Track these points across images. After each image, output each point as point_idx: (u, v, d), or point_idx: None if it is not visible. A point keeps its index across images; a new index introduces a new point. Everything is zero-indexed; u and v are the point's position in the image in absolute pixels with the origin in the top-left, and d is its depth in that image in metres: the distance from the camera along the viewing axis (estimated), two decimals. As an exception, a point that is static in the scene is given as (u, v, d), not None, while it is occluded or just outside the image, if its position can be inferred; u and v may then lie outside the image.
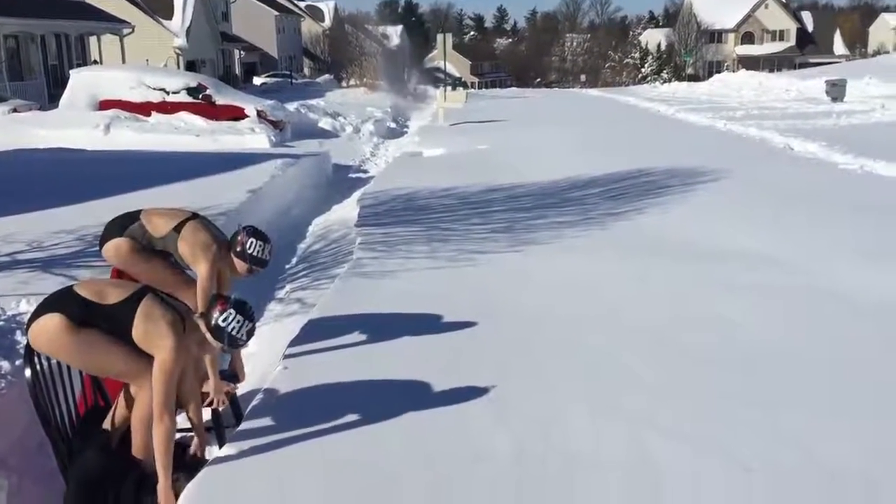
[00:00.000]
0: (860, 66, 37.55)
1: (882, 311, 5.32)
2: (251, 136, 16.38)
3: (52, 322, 3.21)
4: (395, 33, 59.15)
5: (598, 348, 4.70)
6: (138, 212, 4.31)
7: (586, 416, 3.80)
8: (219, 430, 3.98)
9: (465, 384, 4.14)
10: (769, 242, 7.25)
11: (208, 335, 3.27)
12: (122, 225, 4.26)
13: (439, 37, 26.73)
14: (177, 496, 3.18)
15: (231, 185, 9.87)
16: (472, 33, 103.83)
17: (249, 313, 3.31)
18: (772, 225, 8.05)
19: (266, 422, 3.74)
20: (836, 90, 24.37)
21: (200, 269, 4.08)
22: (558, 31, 78.88)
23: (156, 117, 17.19)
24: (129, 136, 15.77)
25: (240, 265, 4.12)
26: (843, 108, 21.63)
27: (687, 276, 6.25)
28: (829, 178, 10.99)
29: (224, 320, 3.24)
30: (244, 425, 3.75)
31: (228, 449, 3.49)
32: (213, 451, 3.72)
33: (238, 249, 4.11)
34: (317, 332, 5.02)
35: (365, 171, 14.68)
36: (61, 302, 3.28)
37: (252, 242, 4.10)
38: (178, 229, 4.17)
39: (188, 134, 16.21)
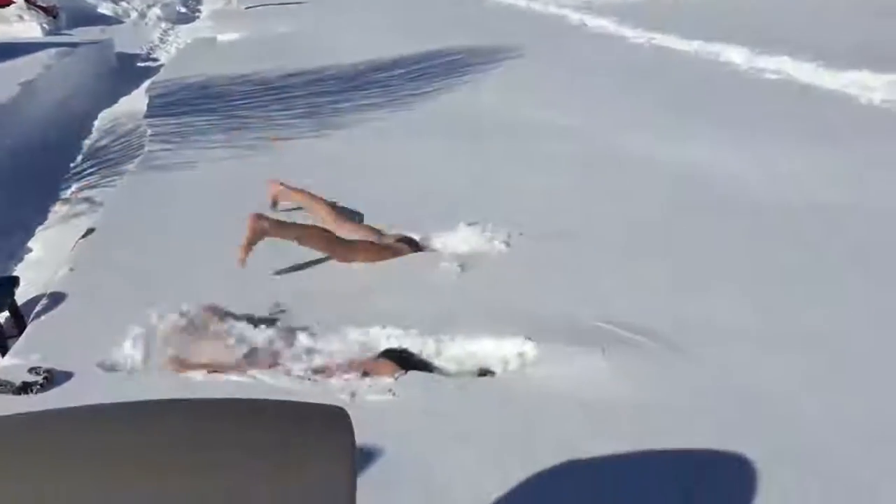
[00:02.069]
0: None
1: (678, 177, 5.64)
2: (20, 25, 14.75)
3: None
4: None
5: (408, 225, 4.66)
6: None
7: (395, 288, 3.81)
8: (1, 340, 3.64)
9: (266, 277, 4.02)
10: (569, 114, 7.47)
11: None
12: None
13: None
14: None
15: (-2, 78, 8.87)
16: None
17: None
18: (570, 97, 8.29)
19: (52, 329, 3.46)
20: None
21: None
22: None
23: None
24: None
25: None
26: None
27: (492, 150, 6.34)
28: (621, 52, 11.43)
29: None
30: (28, 334, 3.45)
31: (11, 359, 3.20)
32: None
33: None
34: (107, 230, 4.67)
35: (154, 60, 13.68)
36: None
37: None
38: None
39: (-57, 23, 14.34)
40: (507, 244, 4.35)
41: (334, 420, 1.21)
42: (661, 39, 12.04)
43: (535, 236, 4.46)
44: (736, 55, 10.13)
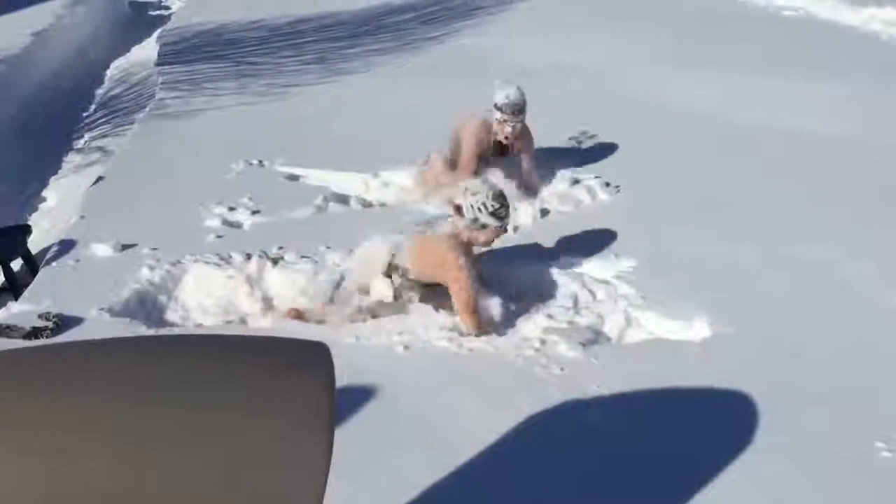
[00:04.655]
0: None
1: (687, 116, 5.59)
2: (31, -26, 14.65)
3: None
4: None
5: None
6: None
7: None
8: (14, 286, 3.70)
9: (269, 221, 4.05)
10: (581, 55, 7.38)
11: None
12: None
13: None
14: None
15: (9, 28, 8.85)
16: None
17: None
18: (585, 37, 8.18)
19: (62, 276, 3.50)
20: None
21: None
22: None
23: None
24: None
25: None
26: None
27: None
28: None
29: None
30: (39, 280, 3.50)
31: (22, 305, 3.25)
32: (10, 308, 3.42)
33: None
34: (117, 178, 4.70)
35: (167, 7, 13.55)
36: None
37: None
38: None
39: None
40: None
41: (314, 354, 1.23)
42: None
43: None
44: (755, -8, 9.91)
